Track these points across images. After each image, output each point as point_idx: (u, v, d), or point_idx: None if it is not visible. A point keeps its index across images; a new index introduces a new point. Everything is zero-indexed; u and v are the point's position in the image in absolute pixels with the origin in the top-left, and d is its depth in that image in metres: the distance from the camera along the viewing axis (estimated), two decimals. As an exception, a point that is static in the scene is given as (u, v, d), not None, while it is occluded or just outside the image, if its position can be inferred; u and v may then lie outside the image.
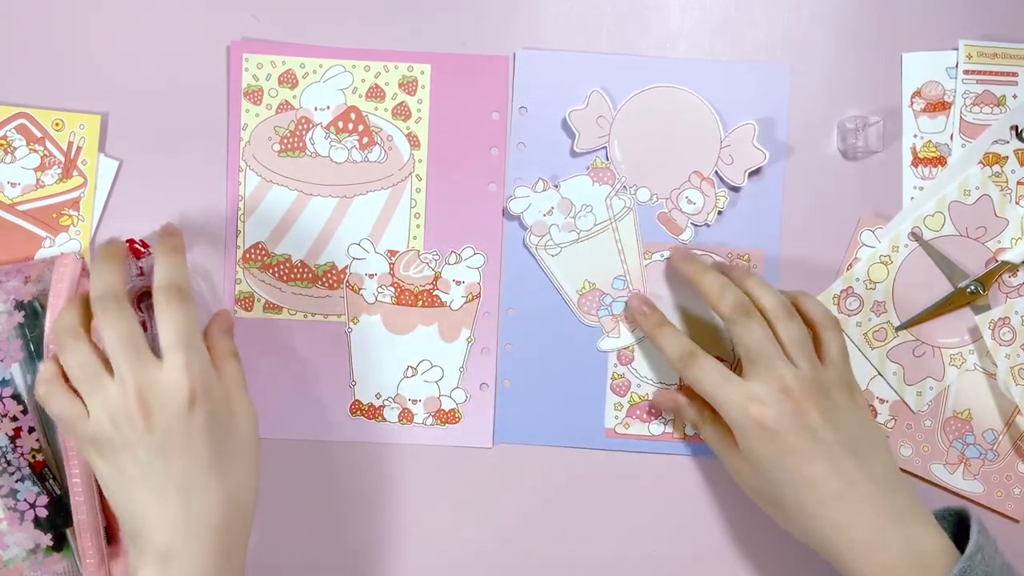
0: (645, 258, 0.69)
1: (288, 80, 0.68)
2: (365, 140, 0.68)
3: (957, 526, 0.60)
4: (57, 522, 0.63)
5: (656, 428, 0.69)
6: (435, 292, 0.68)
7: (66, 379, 0.57)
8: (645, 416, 0.69)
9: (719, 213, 0.68)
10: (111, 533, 0.66)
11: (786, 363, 0.60)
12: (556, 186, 0.68)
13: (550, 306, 0.69)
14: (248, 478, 0.58)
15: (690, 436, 0.69)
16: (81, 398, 0.56)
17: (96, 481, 0.62)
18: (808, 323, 0.63)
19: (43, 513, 0.63)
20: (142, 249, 0.66)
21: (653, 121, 0.68)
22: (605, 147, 0.68)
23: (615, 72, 0.68)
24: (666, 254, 0.68)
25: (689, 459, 0.69)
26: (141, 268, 0.65)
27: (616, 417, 0.69)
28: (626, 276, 0.68)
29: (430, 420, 0.68)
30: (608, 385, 0.69)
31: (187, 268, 0.60)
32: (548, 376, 0.69)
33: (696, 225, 0.69)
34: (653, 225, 0.69)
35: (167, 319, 0.56)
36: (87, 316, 0.58)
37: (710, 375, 0.61)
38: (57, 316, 0.58)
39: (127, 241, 0.65)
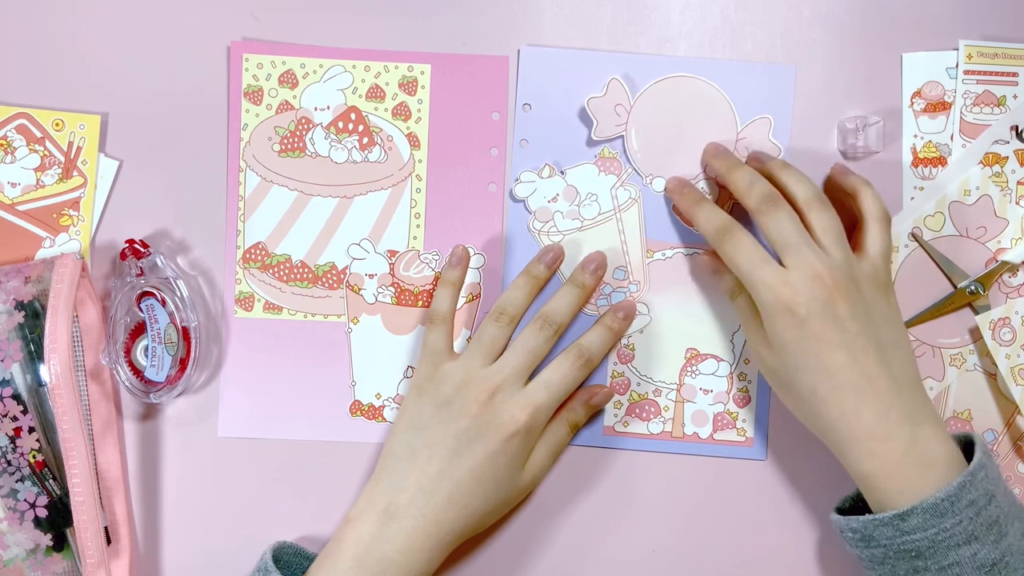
0: (647, 256, 0.68)
1: (288, 80, 0.68)
2: (365, 140, 0.68)
3: (965, 451, 0.59)
4: (57, 522, 0.63)
5: (655, 427, 0.69)
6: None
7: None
8: (644, 415, 0.69)
9: (733, 205, 0.68)
10: (111, 533, 0.66)
11: (817, 251, 0.59)
12: (562, 172, 0.68)
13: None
14: (490, 520, 0.64)
15: (688, 436, 0.69)
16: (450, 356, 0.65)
17: (97, 481, 0.62)
18: (859, 215, 0.62)
19: (43, 513, 0.63)
20: (142, 249, 0.66)
21: (671, 111, 0.68)
22: (622, 135, 0.68)
23: (619, 70, 0.68)
24: (668, 254, 0.68)
25: (687, 459, 0.69)
26: (141, 268, 0.65)
27: (616, 415, 0.69)
28: (627, 267, 0.68)
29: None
30: (608, 383, 0.69)
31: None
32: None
33: None
34: (660, 218, 0.69)
35: (564, 366, 0.65)
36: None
37: (746, 253, 0.60)
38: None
39: (127, 241, 0.66)
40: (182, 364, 0.66)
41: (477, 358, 0.64)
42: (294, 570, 0.63)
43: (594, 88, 0.68)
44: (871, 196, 0.63)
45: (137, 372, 0.65)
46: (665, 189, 0.68)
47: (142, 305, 0.65)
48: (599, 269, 0.67)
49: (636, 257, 0.68)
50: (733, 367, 0.69)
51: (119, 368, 0.65)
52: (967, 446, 0.60)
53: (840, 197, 0.64)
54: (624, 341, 0.69)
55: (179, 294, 0.65)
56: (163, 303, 0.65)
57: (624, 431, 0.69)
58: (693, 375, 0.69)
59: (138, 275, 0.65)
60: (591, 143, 0.68)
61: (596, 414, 0.68)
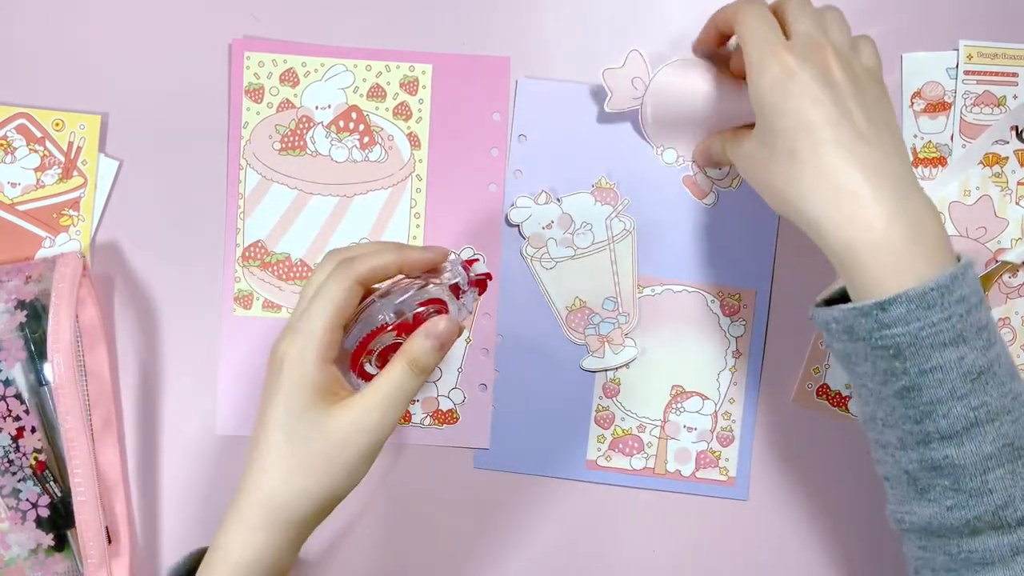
0: (638, 291, 0.68)
1: (289, 79, 0.68)
2: (366, 139, 0.68)
3: None
4: (58, 523, 0.63)
5: (637, 463, 0.69)
6: (435, 292, 0.68)
7: None
8: (627, 450, 0.69)
9: (744, 181, 0.67)
10: (111, 533, 0.66)
11: (823, 34, 0.55)
12: (558, 200, 0.68)
13: (538, 319, 0.68)
14: (306, 484, 0.52)
15: (670, 473, 0.69)
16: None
17: (98, 481, 0.62)
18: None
19: (45, 513, 0.63)
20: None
21: (686, 88, 0.66)
22: (637, 108, 0.67)
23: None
24: (658, 290, 0.68)
25: (669, 496, 0.69)
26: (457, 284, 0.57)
27: (598, 449, 0.69)
28: (617, 299, 0.68)
29: (428, 420, 0.68)
30: (592, 417, 0.69)
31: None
32: (532, 397, 0.69)
33: (721, 190, 0.68)
34: (652, 252, 0.68)
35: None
36: None
37: (757, 20, 0.56)
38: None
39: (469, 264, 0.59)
40: None
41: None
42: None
43: (589, 120, 0.68)
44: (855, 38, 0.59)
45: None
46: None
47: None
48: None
49: (627, 289, 0.68)
50: (718, 406, 0.69)
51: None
52: None
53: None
54: (610, 375, 0.68)
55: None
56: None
57: (606, 465, 0.69)
58: (678, 412, 0.69)
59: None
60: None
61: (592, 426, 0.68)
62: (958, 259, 0.52)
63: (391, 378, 0.53)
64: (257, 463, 0.53)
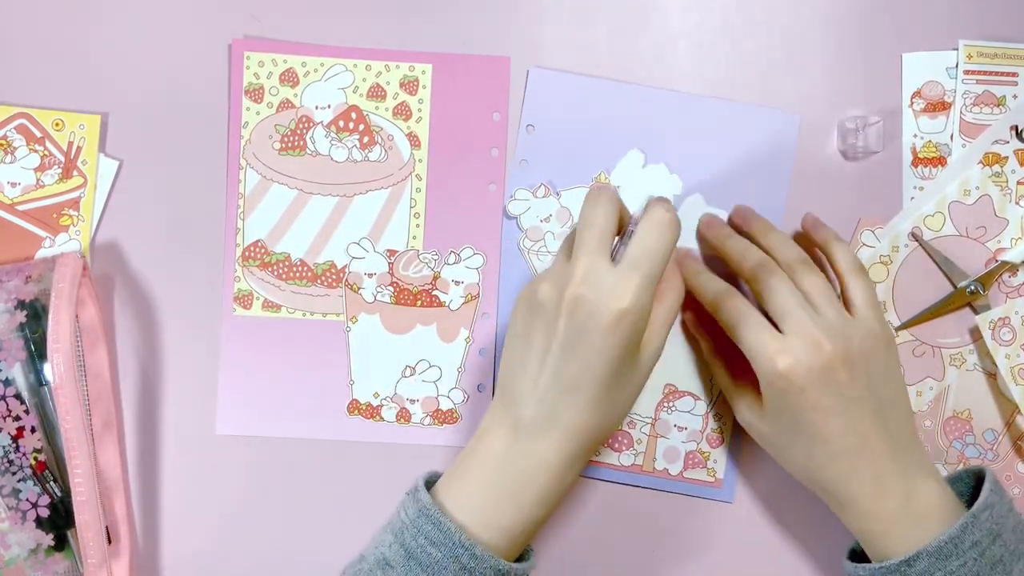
0: None
1: (289, 79, 0.68)
2: (366, 139, 0.68)
3: (976, 487, 0.60)
4: (58, 523, 0.63)
5: (626, 459, 0.69)
6: (434, 292, 0.68)
7: None
8: (617, 446, 0.69)
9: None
10: (111, 533, 0.66)
11: (813, 316, 0.58)
12: (557, 194, 0.68)
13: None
14: (619, 414, 0.59)
15: (658, 471, 0.68)
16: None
17: (98, 481, 0.62)
18: (835, 270, 0.63)
19: (45, 513, 0.63)
20: None
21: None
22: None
23: (624, 101, 0.68)
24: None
25: (655, 494, 0.69)
26: None
27: None
28: None
29: (428, 420, 0.68)
30: None
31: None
32: None
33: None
34: None
35: (646, 237, 0.57)
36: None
37: (743, 319, 0.60)
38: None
39: None
40: None
41: (560, 258, 0.61)
42: None
43: (596, 115, 0.68)
44: (843, 249, 0.63)
45: None
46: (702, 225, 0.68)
47: None
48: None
49: None
50: (709, 407, 0.69)
51: None
52: (980, 481, 0.60)
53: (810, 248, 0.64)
54: None
55: None
56: None
57: (595, 459, 0.69)
58: (669, 411, 0.69)
59: None
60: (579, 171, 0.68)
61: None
62: (981, 474, 0.59)
63: (669, 303, 0.61)
64: (572, 405, 0.57)
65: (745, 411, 0.63)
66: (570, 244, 0.59)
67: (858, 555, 0.61)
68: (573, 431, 0.57)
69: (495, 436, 0.58)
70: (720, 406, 0.68)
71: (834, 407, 0.57)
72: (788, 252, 0.62)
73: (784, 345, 0.58)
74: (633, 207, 0.61)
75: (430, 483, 0.60)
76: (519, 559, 0.59)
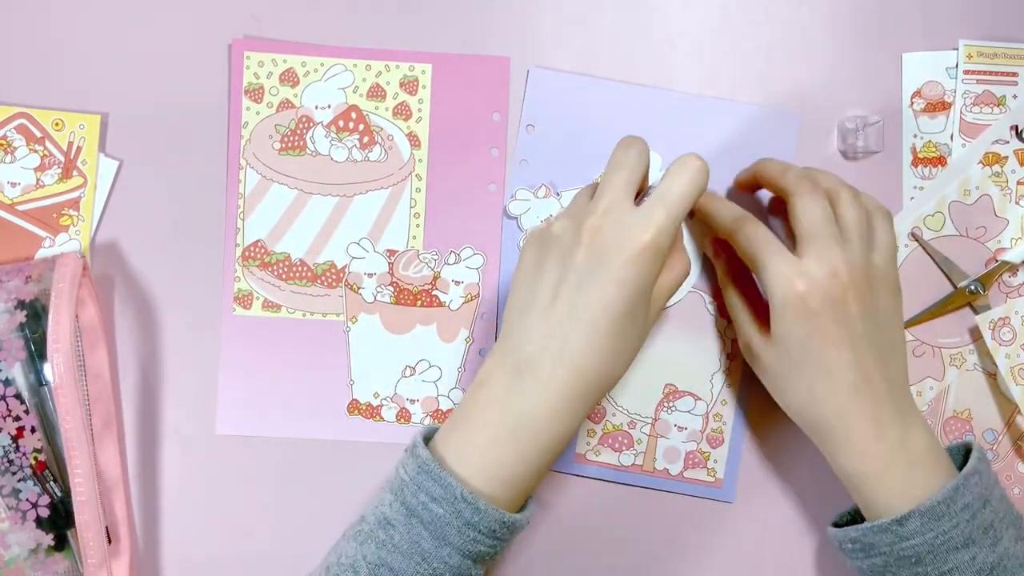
0: None
1: (289, 79, 0.68)
2: (366, 139, 0.68)
3: (963, 459, 0.60)
4: (58, 523, 0.63)
5: (626, 459, 0.69)
6: (434, 292, 0.68)
7: None
8: (617, 445, 0.69)
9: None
10: (111, 533, 0.66)
11: (841, 246, 0.57)
12: (558, 194, 0.68)
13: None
14: (623, 363, 0.57)
15: (658, 471, 0.68)
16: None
17: (98, 481, 0.62)
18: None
19: (45, 513, 0.63)
20: None
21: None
22: None
23: (624, 101, 0.68)
24: None
25: (655, 494, 0.69)
26: None
27: (588, 443, 0.68)
28: None
29: (428, 420, 0.68)
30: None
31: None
32: None
33: None
34: None
35: (675, 178, 0.56)
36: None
37: (761, 241, 0.59)
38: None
39: None
40: None
41: (581, 199, 0.60)
42: None
43: (596, 115, 0.68)
44: (864, 194, 0.62)
45: None
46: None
47: None
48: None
49: None
50: (710, 407, 0.69)
51: None
52: (967, 454, 0.60)
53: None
54: None
55: None
56: None
57: (595, 460, 0.69)
58: (669, 411, 0.69)
59: None
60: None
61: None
62: (968, 448, 0.59)
63: (672, 272, 0.59)
64: (579, 343, 0.55)
65: (751, 337, 0.62)
66: (592, 189, 0.59)
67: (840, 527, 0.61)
68: (580, 370, 0.55)
69: (496, 380, 0.56)
70: (722, 405, 0.68)
71: (843, 339, 0.57)
72: (832, 179, 0.61)
73: (802, 268, 0.57)
74: None
75: (428, 437, 0.58)
76: (522, 507, 0.58)
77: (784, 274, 0.57)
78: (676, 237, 0.58)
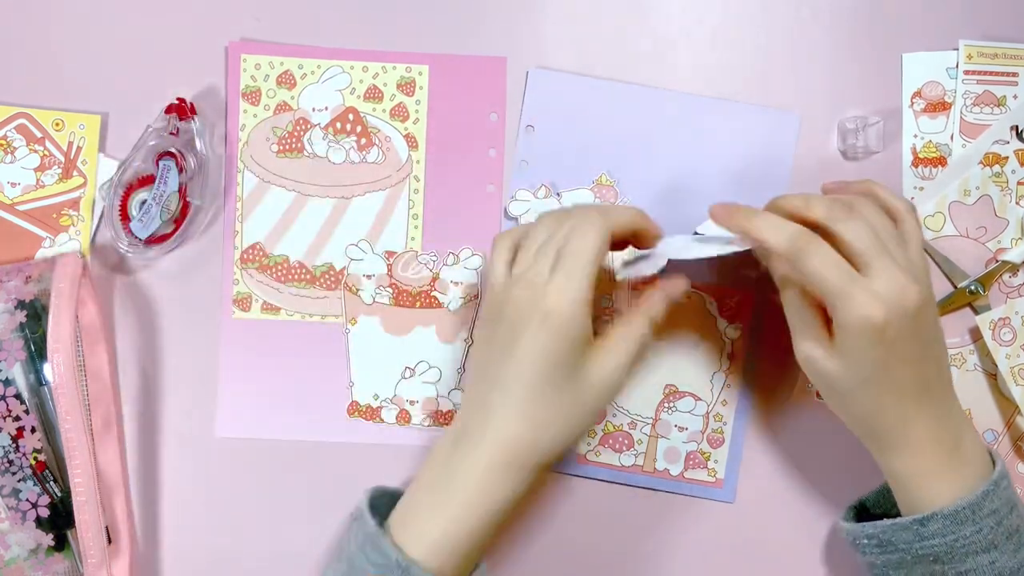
0: (633, 292, 0.66)
1: (286, 81, 0.68)
2: (363, 141, 0.68)
3: None
4: (58, 523, 0.64)
5: (627, 459, 0.69)
6: (433, 293, 0.68)
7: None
8: (617, 446, 0.69)
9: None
10: (111, 533, 0.66)
11: (900, 260, 0.55)
12: (558, 195, 0.68)
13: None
14: (559, 433, 0.56)
15: (659, 471, 0.68)
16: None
17: (98, 481, 0.63)
18: (889, 213, 0.59)
19: (45, 513, 0.63)
20: (188, 111, 0.66)
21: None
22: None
23: (624, 101, 0.68)
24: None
25: (655, 495, 0.69)
26: (177, 128, 0.65)
27: (588, 444, 0.69)
28: (612, 296, 0.68)
29: (428, 421, 0.68)
30: None
31: None
32: None
33: None
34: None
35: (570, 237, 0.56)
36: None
37: (833, 267, 0.54)
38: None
39: (178, 99, 0.66)
40: (162, 238, 0.66)
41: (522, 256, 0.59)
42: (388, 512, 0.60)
43: (596, 115, 0.68)
44: (889, 192, 0.60)
45: (124, 219, 0.66)
46: (711, 216, 0.59)
47: (160, 163, 0.65)
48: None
49: (622, 286, 0.68)
50: (710, 407, 0.69)
51: (113, 203, 0.66)
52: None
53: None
54: None
55: (197, 168, 0.66)
56: (180, 170, 0.65)
57: (596, 460, 0.69)
58: (670, 411, 0.69)
59: (172, 133, 0.66)
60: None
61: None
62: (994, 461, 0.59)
63: (637, 328, 0.57)
64: (501, 410, 0.56)
65: (810, 346, 0.57)
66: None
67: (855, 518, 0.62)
68: (503, 438, 0.56)
69: (440, 448, 0.58)
70: (722, 406, 0.68)
71: (915, 355, 0.55)
72: (849, 194, 0.59)
73: (876, 294, 0.53)
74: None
75: (376, 501, 0.59)
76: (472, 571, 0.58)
77: (860, 302, 0.53)
78: (625, 323, 0.58)
